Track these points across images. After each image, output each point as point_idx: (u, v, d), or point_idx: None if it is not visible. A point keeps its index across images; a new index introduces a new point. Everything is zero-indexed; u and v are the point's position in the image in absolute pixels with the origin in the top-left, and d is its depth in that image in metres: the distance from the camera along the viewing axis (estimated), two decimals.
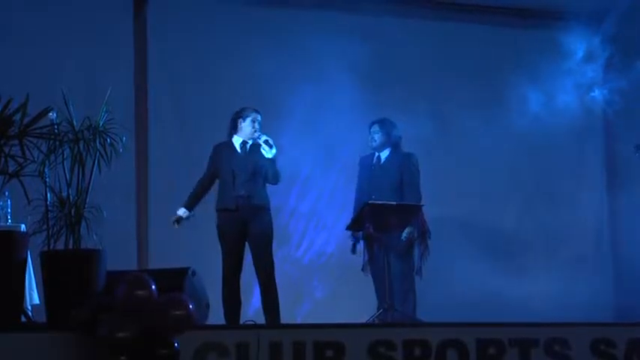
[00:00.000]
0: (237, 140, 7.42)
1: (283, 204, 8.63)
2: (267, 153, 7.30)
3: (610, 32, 9.57)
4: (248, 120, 7.38)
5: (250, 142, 7.41)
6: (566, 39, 9.47)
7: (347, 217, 8.14)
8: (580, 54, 9.52)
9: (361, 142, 8.51)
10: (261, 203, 7.34)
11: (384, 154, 7.86)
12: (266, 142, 7.30)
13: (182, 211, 7.38)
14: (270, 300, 7.25)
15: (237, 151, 7.39)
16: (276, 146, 7.30)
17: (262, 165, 7.32)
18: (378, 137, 7.83)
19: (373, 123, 7.89)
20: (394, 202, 7.68)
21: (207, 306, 6.95)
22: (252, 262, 7.35)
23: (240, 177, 7.29)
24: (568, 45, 9.46)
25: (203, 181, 7.43)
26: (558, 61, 9.28)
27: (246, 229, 7.28)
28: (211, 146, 7.59)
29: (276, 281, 7.36)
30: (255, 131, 7.37)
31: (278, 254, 7.50)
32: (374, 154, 7.90)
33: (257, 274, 7.31)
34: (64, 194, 5.55)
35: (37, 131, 5.40)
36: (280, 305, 7.36)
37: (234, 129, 7.44)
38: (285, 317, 7.67)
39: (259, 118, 7.41)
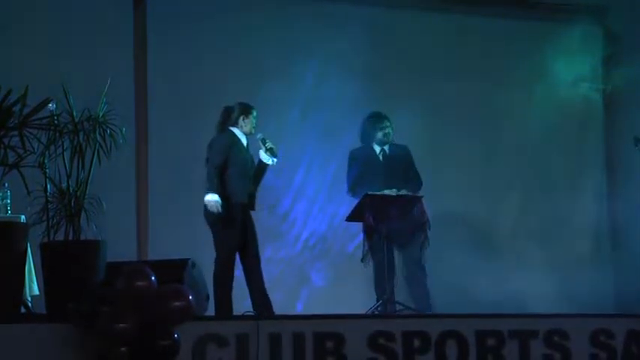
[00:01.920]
0: (240, 135, 7.36)
1: (284, 194, 8.64)
2: (268, 160, 7.30)
3: (611, 25, 9.55)
4: (251, 117, 7.35)
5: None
6: (566, 31, 9.45)
7: (346, 208, 8.15)
8: (580, 47, 9.50)
9: (357, 134, 8.54)
10: (254, 207, 7.38)
11: (388, 147, 7.88)
12: (271, 149, 7.29)
13: (217, 197, 7.10)
14: (263, 294, 7.22)
15: (244, 145, 7.36)
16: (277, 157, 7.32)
17: (257, 166, 7.36)
18: (390, 131, 7.86)
19: (383, 117, 7.88)
20: (394, 193, 7.69)
21: (207, 297, 6.96)
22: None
23: (250, 173, 7.29)
24: (568, 38, 9.44)
25: (220, 168, 7.22)
26: (558, 54, 9.25)
27: (244, 226, 7.26)
28: (209, 137, 7.57)
29: (278, 272, 7.36)
30: (254, 128, 7.35)
31: (281, 245, 7.50)
32: (371, 146, 7.90)
33: (249, 270, 7.27)
34: (64, 185, 5.55)
35: (37, 122, 5.40)
36: (280, 296, 7.36)
37: (232, 122, 7.37)
38: (285, 308, 7.68)
39: (256, 113, 7.40)
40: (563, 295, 8.63)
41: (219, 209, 7.09)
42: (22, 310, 5.77)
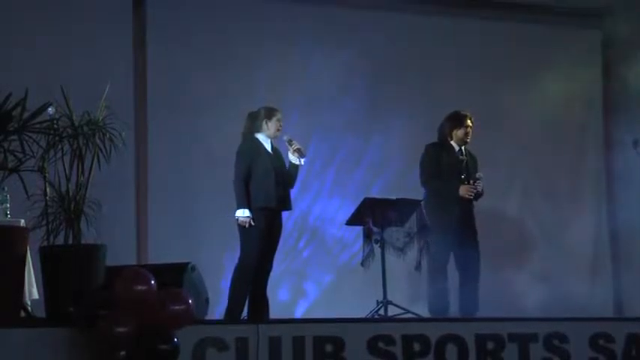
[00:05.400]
0: (264, 139, 7.28)
1: None
2: (296, 160, 7.26)
3: (610, 28, 9.56)
4: (274, 119, 7.27)
5: (273, 141, 7.35)
6: (566, 34, 9.46)
7: (347, 211, 8.16)
8: (580, 49, 9.52)
9: (358, 137, 8.55)
10: (291, 206, 7.35)
11: (464, 147, 7.72)
12: (298, 150, 7.25)
13: (247, 212, 7.07)
14: (263, 298, 7.22)
15: (268, 150, 7.29)
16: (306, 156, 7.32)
17: (288, 167, 7.31)
18: (470, 131, 7.67)
19: (466, 116, 7.67)
20: (394, 197, 7.69)
21: (207, 301, 6.95)
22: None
23: (279, 177, 7.21)
24: (568, 40, 9.46)
25: (244, 180, 7.14)
26: (558, 57, 9.27)
27: (271, 230, 7.23)
28: (210, 140, 7.57)
29: (278, 275, 7.33)
30: (279, 130, 7.27)
31: (280, 249, 7.47)
32: (450, 143, 7.66)
33: (258, 272, 7.25)
34: (64, 189, 5.54)
35: (37, 126, 5.40)
36: (279, 299, 7.34)
37: (257, 128, 7.29)
38: (285, 311, 7.67)
39: (280, 115, 7.37)
40: (561, 301, 8.60)
41: (252, 223, 7.07)
42: (22, 314, 5.75)
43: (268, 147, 7.28)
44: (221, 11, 8.61)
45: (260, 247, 7.11)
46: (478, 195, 7.70)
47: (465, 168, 7.65)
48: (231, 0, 8.68)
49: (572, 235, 9.37)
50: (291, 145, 7.27)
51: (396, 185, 8.55)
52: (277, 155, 7.32)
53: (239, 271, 7.15)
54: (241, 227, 7.12)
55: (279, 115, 7.30)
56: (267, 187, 7.14)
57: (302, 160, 7.29)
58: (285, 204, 7.28)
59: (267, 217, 7.13)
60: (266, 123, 7.27)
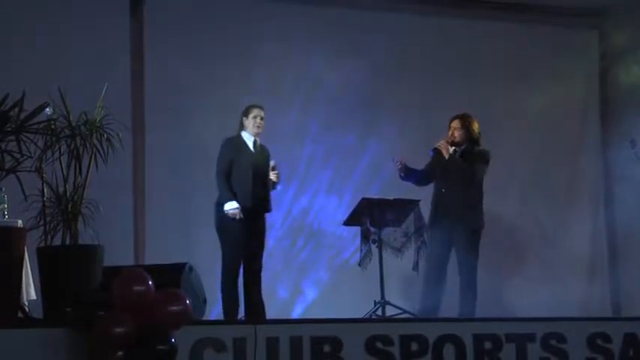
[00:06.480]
0: (248, 137, 7.35)
1: (281, 199, 8.64)
2: (270, 183, 7.32)
3: (607, 28, 9.57)
4: (250, 116, 7.33)
5: (257, 140, 7.38)
6: (564, 33, 9.46)
7: (345, 211, 8.16)
8: (577, 50, 9.52)
9: (356, 137, 8.55)
10: (270, 207, 7.35)
11: (462, 148, 7.67)
12: (275, 176, 7.32)
13: (235, 204, 7.12)
14: (258, 299, 7.22)
15: (250, 148, 7.34)
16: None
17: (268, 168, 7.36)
18: (458, 134, 7.60)
19: (453, 117, 7.63)
20: (391, 198, 7.68)
21: (205, 301, 6.96)
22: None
23: (257, 176, 7.25)
24: (566, 40, 9.46)
25: (225, 174, 7.22)
26: (556, 57, 9.26)
27: (251, 229, 7.23)
28: (207, 141, 7.56)
29: (275, 275, 7.33)
30: (258, 127, 7.32)
31: (277, 249, 7.49)
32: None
33: (248, 273, 7.26)
34: (61, 190, 5.55)
35: (34, 127, 5.40)
36: (277, 299, 7.34)
37: (241, 125, 7.38)
38: (283, 312, 7.66)
39: (262, 113, 7.36)
40: (558, 301, 8.60)
41: (241, 215, 7.09)
42: (20, 314, 5.75)
43: (251, 145, 7.31)
44: (219, 11, 8.61)
45: (240, 247, 7.12)
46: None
47: (446, 168, 7.51)
48: (230, 0, 8.68)
49: (570, 235, 9.37)
50: (272, 170, 7.31)
51: (394, 185, 8.54)
52: (260, 154, 7.33)
53: (224, 273, 7.20)
54: (219, 228, 7.16)
55: (255, 112, 7.32)
56: (245, 186, 7.18)
57: (277, 186, 7.36)
58: (265, 204, 7.30)
59: (244, 215, 7.12)
60: (244, 120, 7.31)
